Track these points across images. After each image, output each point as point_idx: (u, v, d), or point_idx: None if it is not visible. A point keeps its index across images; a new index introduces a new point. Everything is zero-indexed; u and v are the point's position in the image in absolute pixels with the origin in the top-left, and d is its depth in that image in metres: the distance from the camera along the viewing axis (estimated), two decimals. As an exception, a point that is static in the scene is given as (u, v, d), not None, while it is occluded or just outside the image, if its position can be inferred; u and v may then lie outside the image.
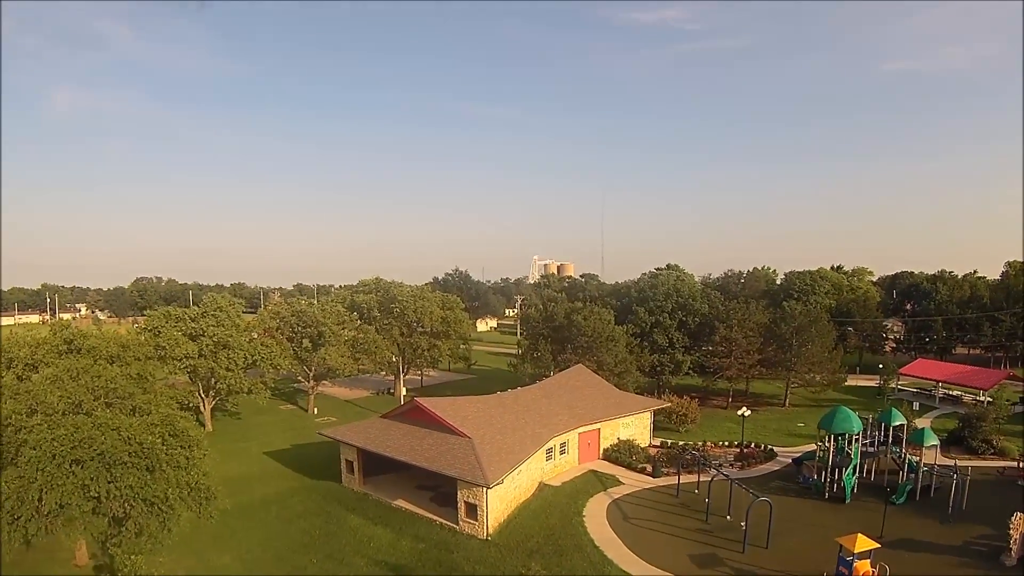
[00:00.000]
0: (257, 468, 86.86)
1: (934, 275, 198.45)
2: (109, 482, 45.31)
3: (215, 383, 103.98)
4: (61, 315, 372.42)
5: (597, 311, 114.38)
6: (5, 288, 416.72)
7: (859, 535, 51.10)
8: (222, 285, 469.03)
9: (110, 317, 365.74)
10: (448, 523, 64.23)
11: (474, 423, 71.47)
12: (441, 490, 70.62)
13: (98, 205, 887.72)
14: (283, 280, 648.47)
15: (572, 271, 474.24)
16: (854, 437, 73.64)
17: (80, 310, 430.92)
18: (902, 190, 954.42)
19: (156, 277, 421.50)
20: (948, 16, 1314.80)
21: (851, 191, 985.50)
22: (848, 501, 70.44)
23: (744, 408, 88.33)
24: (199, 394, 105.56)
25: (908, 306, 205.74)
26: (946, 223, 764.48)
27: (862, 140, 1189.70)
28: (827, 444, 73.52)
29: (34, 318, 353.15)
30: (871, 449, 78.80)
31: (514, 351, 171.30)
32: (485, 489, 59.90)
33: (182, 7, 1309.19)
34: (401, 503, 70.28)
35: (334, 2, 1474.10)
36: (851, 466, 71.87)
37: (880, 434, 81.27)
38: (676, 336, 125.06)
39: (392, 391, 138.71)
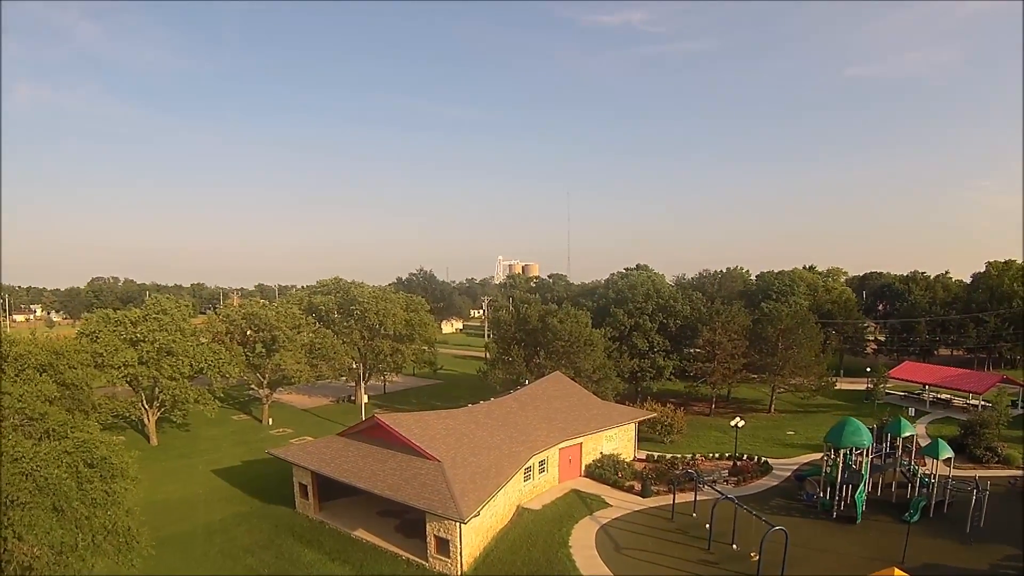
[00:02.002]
0: (203, 489, 78.25)
1: (907, 276, 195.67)
2: (6, 527, 36.78)
3: (159, 393, 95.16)
4: (14, 316, 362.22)
5: (573, 313, 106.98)
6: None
7: (895, 570, 45.06)
8: (181, 286, 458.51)
9: (65, 319, 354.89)
10: (416, 559, 56.00)
11: (443, 443, 63.48)
12: (407, 517, 62.64)
13: (57, 203, 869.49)
14: (246, 280, 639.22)
15: (537, 271, 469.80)
16: (865, 451, 67.74)
17: (35, 311, 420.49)
18: (868, 192, 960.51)
19: (113, 277, 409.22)
20: (921, 18, 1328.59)
21: (817, 192, 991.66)
22: (859, 521, 63.89)
23: (738, 419, 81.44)
24: (142, 405, 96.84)
25: (880, 307, 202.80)
26: (908, 226, 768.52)
27: (828, 142, 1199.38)
28: (835, 459, 67.52)
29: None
30: (878, 462, 72.98)
31: (481, 354, 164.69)
32: (459, 524, 51.96)
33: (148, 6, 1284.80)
34: (362, 534, 61.87)
35: (296, 2, 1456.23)
36: (862, 483, 65.36)
37: (886, 446, 75.51)
38: (656, 339, 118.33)
39: (353, 399, 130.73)
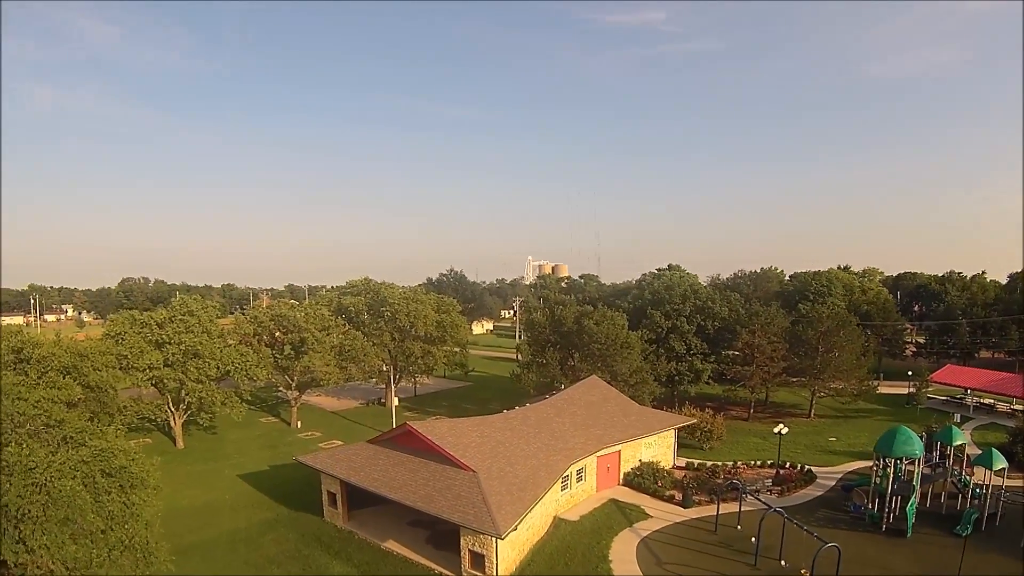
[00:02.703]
0: (228, 494, 76.25)
1: (942, 276, 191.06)
2: (17, 542, 34.59)
3: (185, 396, 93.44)
4: (46, 316, 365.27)
5: (610, 315, 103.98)
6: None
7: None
8: (211, 286, 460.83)
9: (96, 318, 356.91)
10: (448, 573, 53.59)
11: (478, 451, 60.89)
12: (438, 528, 60.06)
13: (88, 205, 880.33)
14: (276, 281, 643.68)
15: (567, 272, 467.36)
16: (916, 461, 64.84)
17: (67, 311, 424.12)
18: (872, 191, 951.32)
19: (143, 278, 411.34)
20: (928, 17, 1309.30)
21: (838, 191, 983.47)
22: (909, 535, 60.47)
23: (781, 425, 78.05)
24: (168, 408, 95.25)
25: (916, 308, 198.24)
26: (908, 226, 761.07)
27: (847, 141, 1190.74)
28: (885, 469, 64.25)
29: (18, 319, 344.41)
30: (928, 472, 69.78)
31: (512, 355, 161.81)
32: (495, 539, 49.37)
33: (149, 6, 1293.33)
34: (392, 545, 59.48)
35: (297, 3, 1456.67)
36: (914, 495, 62.19)
37: (936, 455, 72.06)
38: (694, 342, 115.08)
39: (383, 401, 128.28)
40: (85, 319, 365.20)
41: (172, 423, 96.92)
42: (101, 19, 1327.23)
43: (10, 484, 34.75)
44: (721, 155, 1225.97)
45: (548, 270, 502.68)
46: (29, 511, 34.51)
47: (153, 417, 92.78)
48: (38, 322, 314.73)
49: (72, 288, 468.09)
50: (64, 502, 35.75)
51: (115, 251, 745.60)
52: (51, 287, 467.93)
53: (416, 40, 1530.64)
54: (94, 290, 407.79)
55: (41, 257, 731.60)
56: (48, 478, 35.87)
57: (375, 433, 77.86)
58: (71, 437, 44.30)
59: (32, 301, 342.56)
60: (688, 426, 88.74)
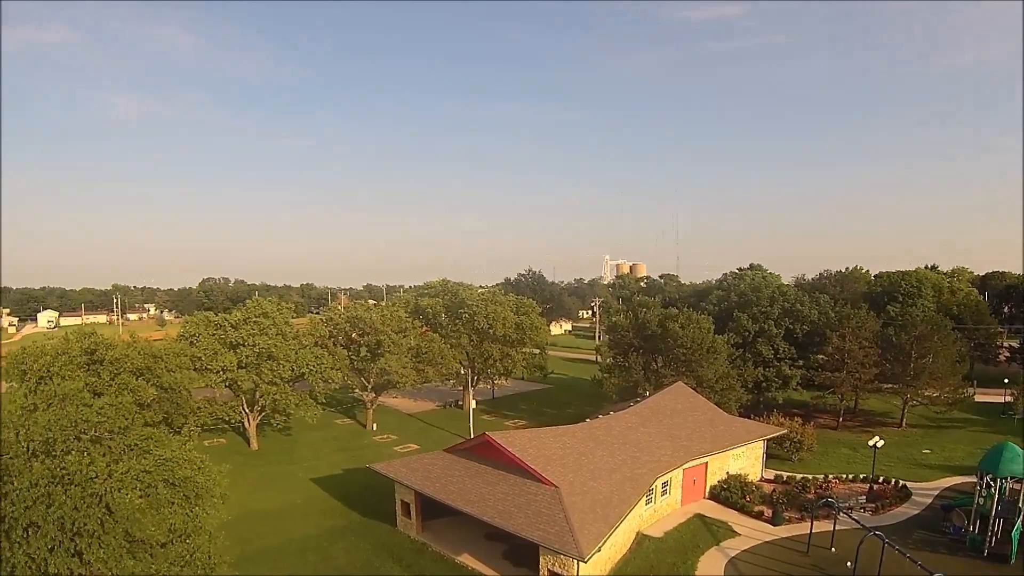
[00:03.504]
0: (300, 498, 75.11)
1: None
2: (72, 555, 32.96)
3: (259, 397, 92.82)
4: (128, 315, 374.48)
5: (695, 318, 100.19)
6: (76, 288, 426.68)
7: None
8: (290, 286, 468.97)
9: (176, 317, 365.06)
10: (526, 593, 50.96)
11: (559, 465, 58.10)
12: (515, 542, 56.90)
13: (173, 206, 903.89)
14: (355, 280, 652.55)
15: (644, 271, 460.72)
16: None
17: (148, 310, 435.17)
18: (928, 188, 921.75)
19: (223, 278, 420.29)
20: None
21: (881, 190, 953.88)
22: (1012, 561, 56.05)
23: (876, 438, 73.45)
24: (242, 409, 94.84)
25: (1006, 309, 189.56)
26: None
27: (886, 141, 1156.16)
28: (989, 489, 59.92)
29: (102, 318, 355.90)
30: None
31: (591, 357, 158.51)
32: (577, 561, 46.47)
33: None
34: (467, 559, 57.14)
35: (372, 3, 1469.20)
36: (1018, 517, 57.91)
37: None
38: (782, 346, 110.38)
39: (460, 404, 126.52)
40: (166, 318, 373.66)
41: (246, 424, 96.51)
42: (185, 30, 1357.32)
43: (66, 496, 33.10)
44: (788, 152, 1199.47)
45: (626, 270, 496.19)
46: (85, 524, 32.88)
47: (227, 418, 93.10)
48: (120, 321, 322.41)
49: (155, 288, 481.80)
50: (123, 515, 34.11)
51: (197, 251, 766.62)
52: (134, 287, 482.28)
53: (477, 42, 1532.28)
54: (176, 290, 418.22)
55: (126, 256, 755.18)
56: (107, 489, 34.27)
57: (452, 437, 76.11)
58: (136, 445, 42.73)
59: (115, 301, 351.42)
60: (776, 436, 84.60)
